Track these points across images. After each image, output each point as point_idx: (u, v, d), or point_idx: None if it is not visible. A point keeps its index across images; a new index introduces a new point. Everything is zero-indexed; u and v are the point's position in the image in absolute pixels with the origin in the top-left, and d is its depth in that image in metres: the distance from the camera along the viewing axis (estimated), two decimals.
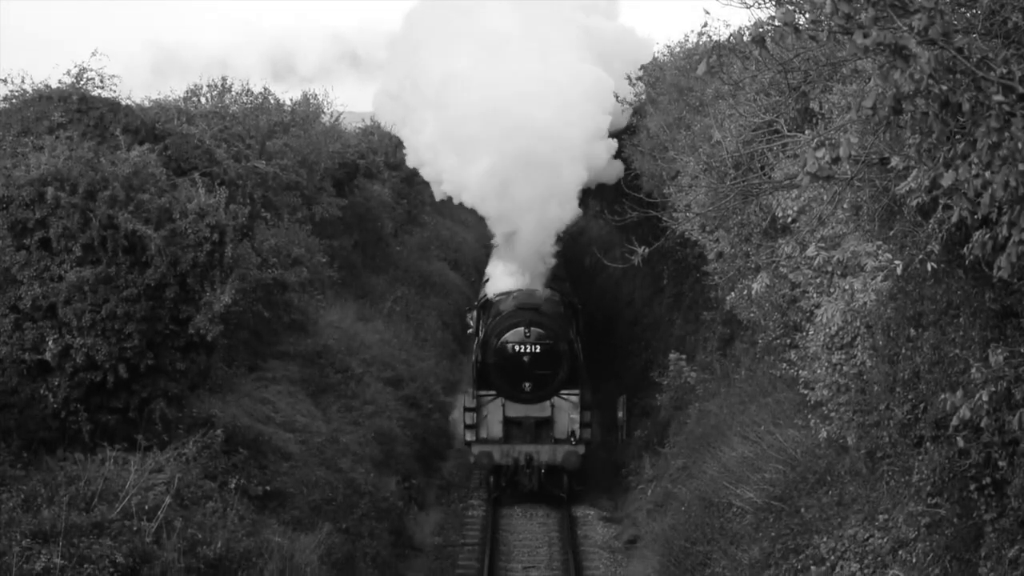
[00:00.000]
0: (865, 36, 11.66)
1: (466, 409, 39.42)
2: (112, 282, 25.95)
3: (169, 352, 26.82)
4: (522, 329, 38.49)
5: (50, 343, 25.73)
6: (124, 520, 23.12)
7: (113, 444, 25.52)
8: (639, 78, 45.38)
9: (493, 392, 39.16)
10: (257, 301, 33.39)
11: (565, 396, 39.03)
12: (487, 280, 46.67)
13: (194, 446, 26.53)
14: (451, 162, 42.78)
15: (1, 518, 21.62)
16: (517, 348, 38.44)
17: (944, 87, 12.02)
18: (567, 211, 42.24)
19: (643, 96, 44.89)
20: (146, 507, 23.60)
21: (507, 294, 41.52)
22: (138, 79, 54.59)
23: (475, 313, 43.92)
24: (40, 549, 21.12)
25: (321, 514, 28.86)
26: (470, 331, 45.08)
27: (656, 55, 47.24)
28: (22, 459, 24.65)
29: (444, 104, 42.42)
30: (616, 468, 42.05)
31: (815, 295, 22.85)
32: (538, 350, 38.44)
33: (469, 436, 39.35)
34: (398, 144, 53.67)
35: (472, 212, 46.95)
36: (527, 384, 38.72)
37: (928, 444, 17.97)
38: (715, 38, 29.17)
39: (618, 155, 44.08)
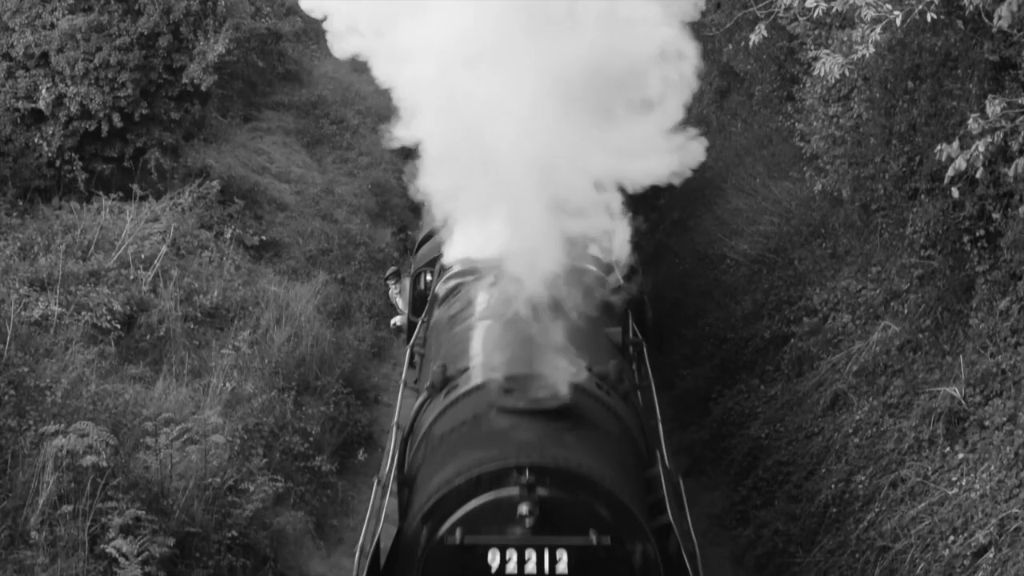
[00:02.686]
0: None
1: None
2: (105, 30, 25.73)
3: (163, 101, 26.72)
4: (514, 494, 12.64)
5: (43, 91, 25.61)
6: (121, 269, 23.28)
7: (109, 193, 25.57)
8: None
9: None
10: (251, 51, 33.07)
11: None
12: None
13: (190, 196, 26.58)
14: None
15: None
16: (496, 562, 12.67)
17: None
18: None
19: None
20: (143, 256, 23.73)
21: (471, 278, 17.68)
22: None
23: (404, 285, 22.71)
24: (38, 296, 21.26)
25: (317, 264, 28.98)
26: (395, 324, 24.37)
27: None
28: (18, 208, 24.75)
29: None
30: None
31: (813, 47, 22.60)
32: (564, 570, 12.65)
33: None
34: None
35: None
36: None
37: (923, 196, 17.98)
38: None
39: None
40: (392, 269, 25.14)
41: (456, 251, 18.01)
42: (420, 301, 19.88)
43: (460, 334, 16.26)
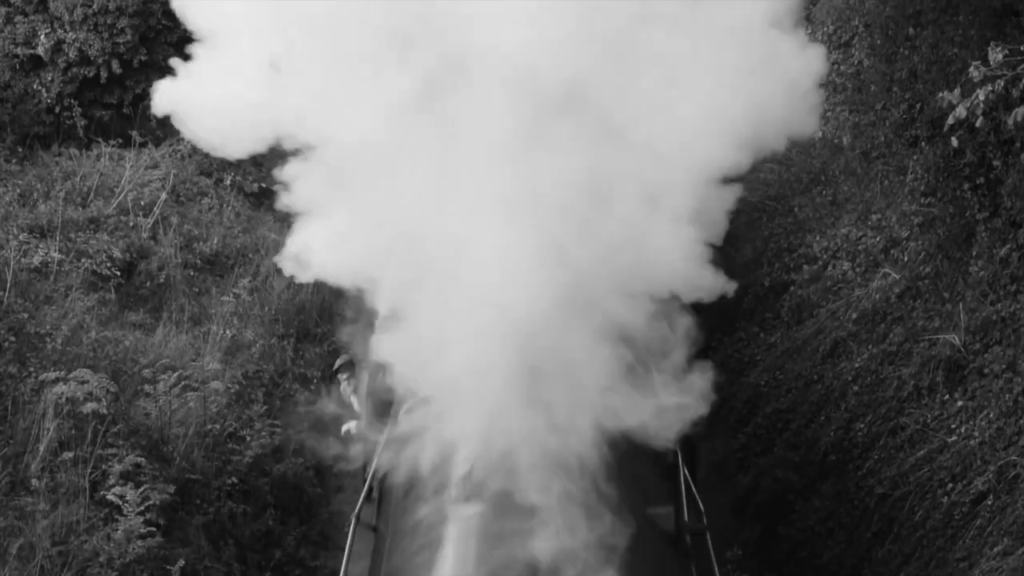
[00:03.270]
0: None
1: None
2: None
3: (163, 48, 26.58)
4: None
5: (42, 37, 25.53)
6: (120, 215, 23.24)
7: (108, 140, 25.52)
8: None
9: None
10: None
11: None
12: None
13: (189, 143, 26.48)
14: None
15: None
16: None
17: None
18: None
19: None
20: (142, 203, 23.69)
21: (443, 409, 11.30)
22: None
23: (361, 380, 16.87)
24: (37, 243, 21.24)
25: None
26: (347, 431, 16.92)
27: None
28: (17, 154, 24.69)
29: None
30: None
31: None
32: None
33: None
34: None
35: None
36: None
37: (923, 144, 17.93)
38: None
39: None
40: (344, 358, 18.76)
41: (413, 360, 11.13)
42: (382, 407, 14.27)
43: (426, 527, 10.72)
